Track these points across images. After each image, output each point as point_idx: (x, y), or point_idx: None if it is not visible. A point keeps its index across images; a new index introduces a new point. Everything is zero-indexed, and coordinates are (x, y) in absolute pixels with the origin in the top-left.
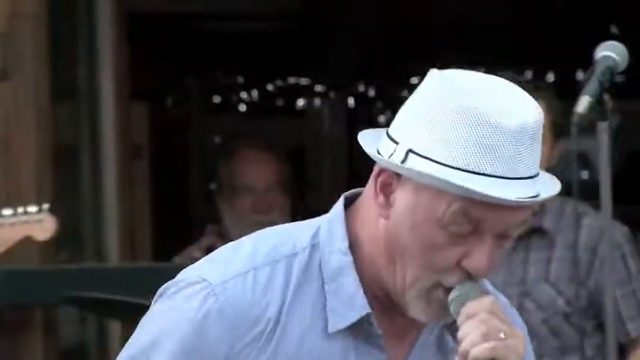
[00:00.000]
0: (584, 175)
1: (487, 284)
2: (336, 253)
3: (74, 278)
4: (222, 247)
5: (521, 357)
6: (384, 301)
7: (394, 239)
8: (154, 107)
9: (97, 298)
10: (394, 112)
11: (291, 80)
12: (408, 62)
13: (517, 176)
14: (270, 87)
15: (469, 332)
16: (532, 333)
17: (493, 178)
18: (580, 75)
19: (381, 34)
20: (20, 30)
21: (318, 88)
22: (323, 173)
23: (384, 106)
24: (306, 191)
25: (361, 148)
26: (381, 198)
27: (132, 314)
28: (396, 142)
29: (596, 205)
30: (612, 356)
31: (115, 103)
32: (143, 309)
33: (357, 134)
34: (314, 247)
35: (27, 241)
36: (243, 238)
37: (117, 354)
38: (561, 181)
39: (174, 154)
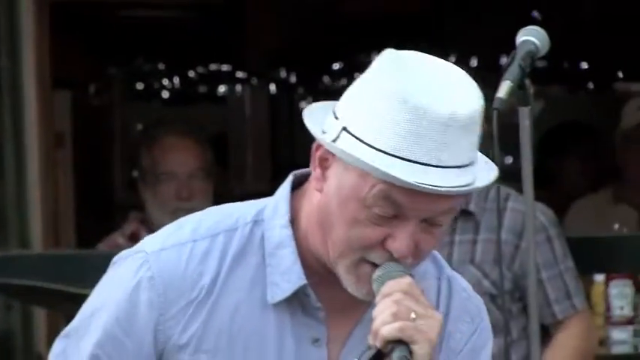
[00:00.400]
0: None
1: (443, 266)
2: (277, 228)
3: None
4: (174, 221)
5: (431, 339)
6: (325, 275)
7: (325, 213)
8: (76, 95)
9: (22, 285)
10: (315, 99)
11: (213, 67)
12: (329, 48)
13: (442, 164)
14: (191, 74)
15: (381, 311)
16: None
17: (417, 165)
18: (503, 60)
19: (303, 19)
20: None
21: (240, 74)
22: (246, 159)
23: (305, 92)
24: (230, 177)
25: (283, 133)
26: (318, 171)
27: (57, 301)
28: (337, 119)
29: (520, 190)
30: (536, 338)
31: (37, 93)
32: (67, 296)
33: (278, 120)
34: (257, 222)
35: None
36: (193, 214)
37: (42, 341)
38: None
39: (98, 141)
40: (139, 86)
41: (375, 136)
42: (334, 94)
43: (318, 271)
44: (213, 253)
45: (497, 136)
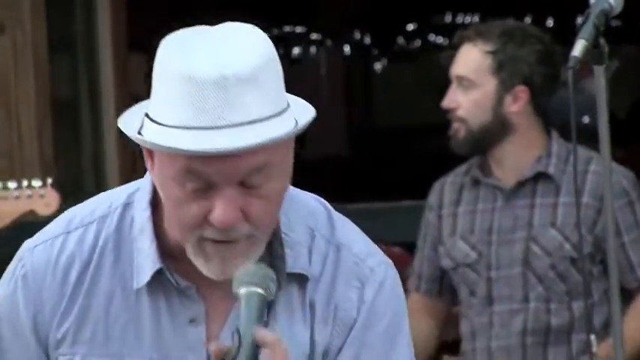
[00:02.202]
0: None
1: (336, 233)
2: (140, 210)
3: None
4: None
5: None
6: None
7: (162, 200)
8: (152, 58)
9: None
10: (390, 60)
11: (287, 29)
12: (404, 9)
13: (230, 124)
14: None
15: None
16: (540, 277)
17: (204, 131)
18: (579, 20)
19: None
20: None
21: (314, 36)
22: (322, 121)
23: (379, 54)
24: (305, 140)
25: (359, 95)
26: (148, 160)
27: None
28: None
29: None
30: (616, 300)
31: (112, 55)
32: None
33: (353, 82)
34: (127, 205)
35: (30, 214)
36: (75, 206)
37: None
38: (563, 126)
39: None
40: None
41: (163, 114)
42: (409, 55)
43: (183, 251)
44: (85, 242)
45: (572, 94)
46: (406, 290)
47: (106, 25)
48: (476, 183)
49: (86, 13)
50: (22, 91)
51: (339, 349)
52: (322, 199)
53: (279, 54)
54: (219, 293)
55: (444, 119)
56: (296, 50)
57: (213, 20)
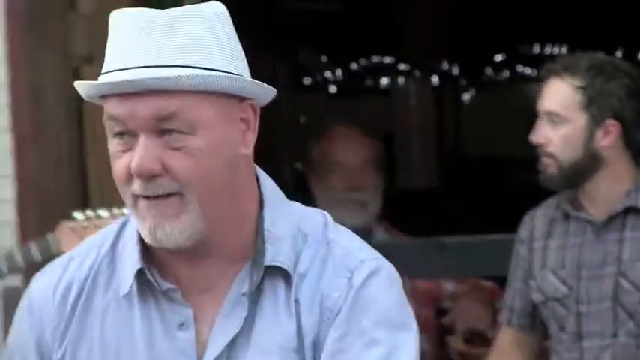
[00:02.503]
0: None
1: (328, 231)
2: (133, 220)
3: None
4: None
5: None
6: (175, 253)
7: None
8: None
9: None
10: (478, 90)
11: (375, 59)
12: (492, 39)
13: (140, 65)
14: (354, 66)
15: None
16: (630, 313)
17: (116, 72)
18: None
19: (463, 10)
20: (107, 13)
21: (402, 66)
22: (412, 152)
23: (468, 84)
24: (396, 170)
25: (449, 126)
26: None
27: None
28: None
29: None
30: None
31: None
32: None
33: (442, 112)
34: (125, 222)
35: None
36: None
37: None
38: None
39: (263, 134)
40: (302, 78)
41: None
42: (497, 85)
43: (166, 251)
44: (84, 265)
45: None
46: (498, 323)
47: None
48: (566, 217)
49: None
50: None
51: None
52: (325, 212)
53: (367, 84)
54: (207, 297)
55: (532, 151)
56: (384, 81)
57: (307, 53)
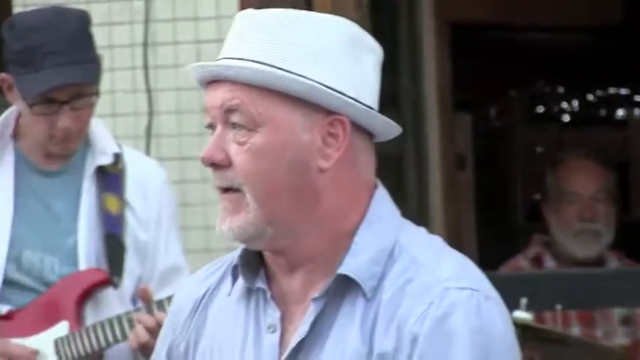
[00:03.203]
0: None
1: (418, 256)
2: None
3: None
4: None
5: None
6: (271, 258)
7: None
8: (477, 118)
9: None
10: None
11: (611, 90)
12: None
13: (234, 56)
14: (590, 97)
15: None
16: None
17: (219, 60)
18: None
19: None
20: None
21: (639, 98)
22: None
23: None
24: (630, 201)
25: None
26: None
27: None
28: None
29: None
30: None
31: (438, 114)
32: None
33: None
34: None
35: None
36: None
37: None
38: None
39: (498, 163)
40: (539, 109)
41: None
42: None
43: (268, 255)
44: (220, 268)
45: None
46: None
47: (432, 83)
48: None
49: (412, 67)
50: None
51: None
52: (438, 238)
53: (601, 114)
54: (297, 305)
55: None
56: (620, 112)
57: (544, 83)
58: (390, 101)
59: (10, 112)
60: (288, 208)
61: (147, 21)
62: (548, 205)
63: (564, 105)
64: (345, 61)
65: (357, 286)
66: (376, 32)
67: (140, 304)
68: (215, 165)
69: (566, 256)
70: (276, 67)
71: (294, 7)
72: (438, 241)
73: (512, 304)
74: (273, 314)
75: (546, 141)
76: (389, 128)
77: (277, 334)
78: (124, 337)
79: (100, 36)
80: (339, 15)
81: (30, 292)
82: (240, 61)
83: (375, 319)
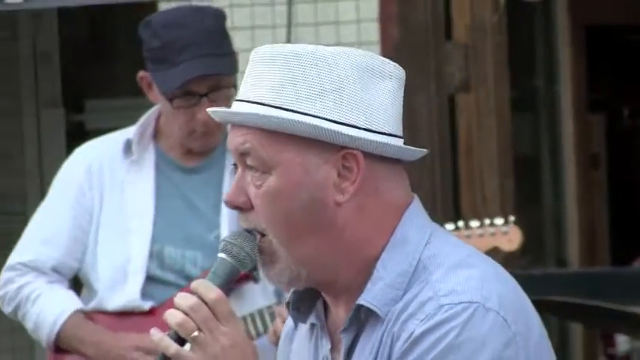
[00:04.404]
0: None
1: (431, 272)
2: None
3: (536, 283)
4: None
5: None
6: (326, 291)
7: None
8: (610, 118)
9: (559, 301)
10: None
11: None
12: None
13: (244, 99)
14: None
15: (173, 314)
16: None
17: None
18: None
19: None
20: (481, 41)
21: None
22: None
23: None
24: None
25: None
26: None
27: (593, 317)
28: None
29: None
30: None
31: (573, 114)
32: (604, 312)
33: None
34: None
35: (493, 251)
36: None
37: (579, 356)
38: None
39: (631, 162)
40: None
41: None
42: None
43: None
44: None
45: None
46: None
47: (567, 85)
48: None
49: (547, 68)
50: (486, 154)
51: None
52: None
53: None
54: (338, 331)
55: None
56: None
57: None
58: (525, 102)
59: (151, 113)
60: (314, 246)
61: (289, 25)
62: None
63: None
64: (354, 92)
65: (373, 312)
66: (512, 34)
67: (284, 297)
68: (238, 208)
69: None
70: (283, 109)
71: (434, 10)
72: (462, 252)
73: None
74: (325, 346)
75: None
76: (407, 152)
77: None
78: (266, 330)
79: (242, 39)
80: (477, 17)
81: (172, 287)
82: (249, 104)
83: (380, 339)
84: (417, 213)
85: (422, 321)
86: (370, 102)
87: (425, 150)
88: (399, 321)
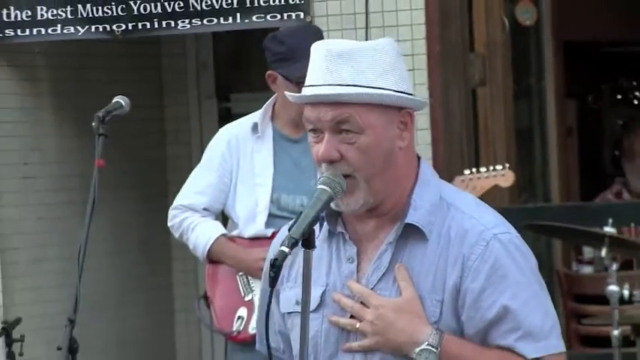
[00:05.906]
0: None
1: (479, 216)
2: None
3: (530, 213)
4: None
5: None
6: (374, 213)
7: None
8: (580, 103)
9: (546, 224)
10: None
11: None
12: None
13: (327, 83)
14: None
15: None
16: None
17: (312, 87)
18: None
19: None
20: (494, 52)
21: None
22: None
23: None
24: None
25: None
26: None
27: (570, 235)
28: None
29: None
30: None
31: (555, 100)
32: (579, 232)
33: None
34: None
35: (496, 188)
36: None
37: (559, 260)
38: None
39: (594, 133)
40: (619, 96)
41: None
42: None
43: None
44: None
45: None
46: None
47: (551, 81)
48: None
49: (537, 71)
50: (497, 128)
51: (468, 288)
52: (470, 194)
53: None
54: (369, 243)
55: None
56: None
57: (624, 80)
58: (523, 93)
59: (269, 102)
60: (384, 182)
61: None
62: (624, 158)
63: (637, 94)
64: (402, 69)
65: (420, 232)
66: (514, 47)
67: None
68: (331, 161)
69: (637, 192)
70: (366, 87)
71: (462, 32)
72: (470, 196)
73: (601, 223)
74: (351, 250)
75: (623, 117)
76: (424, 105)
77: (355, 264)
78: None
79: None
80: (491, 36)
81: (286, 220)
82: (340, 87)
83: (440, 256)
84: (426, 162)
85: (486, 246)
86: (407, 74)
87: (427, 101)
88: (459, 244)
